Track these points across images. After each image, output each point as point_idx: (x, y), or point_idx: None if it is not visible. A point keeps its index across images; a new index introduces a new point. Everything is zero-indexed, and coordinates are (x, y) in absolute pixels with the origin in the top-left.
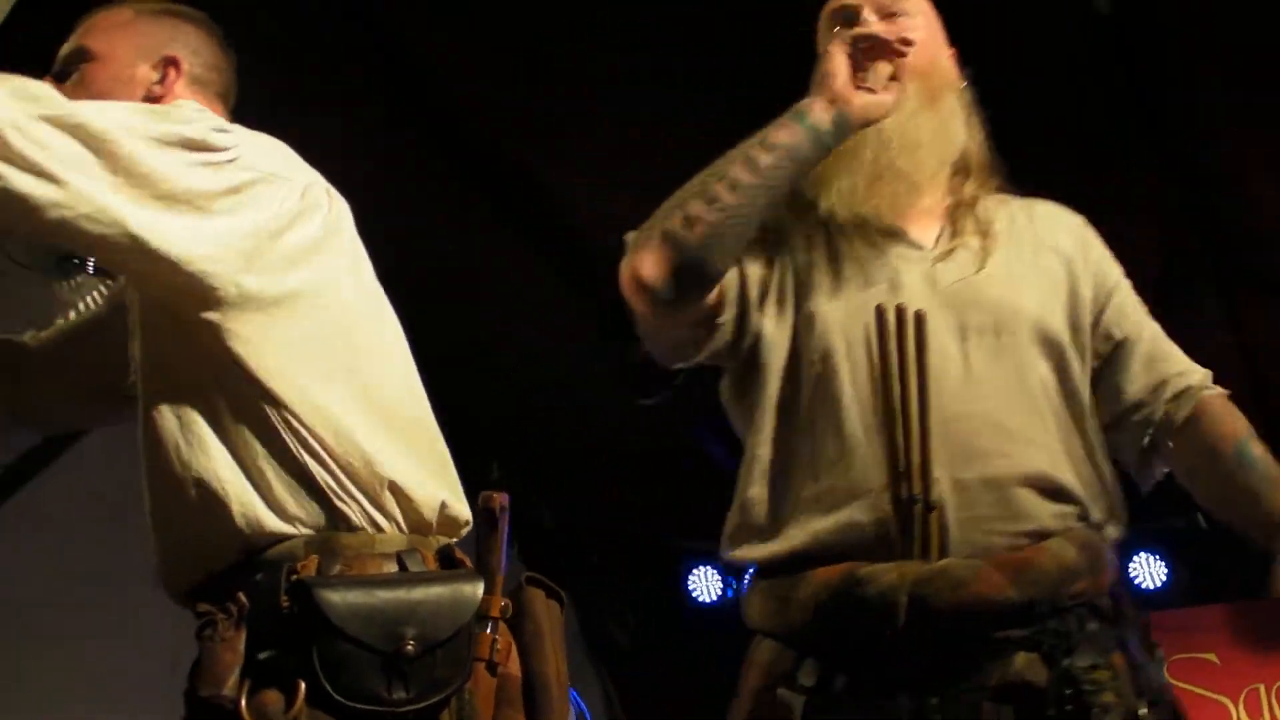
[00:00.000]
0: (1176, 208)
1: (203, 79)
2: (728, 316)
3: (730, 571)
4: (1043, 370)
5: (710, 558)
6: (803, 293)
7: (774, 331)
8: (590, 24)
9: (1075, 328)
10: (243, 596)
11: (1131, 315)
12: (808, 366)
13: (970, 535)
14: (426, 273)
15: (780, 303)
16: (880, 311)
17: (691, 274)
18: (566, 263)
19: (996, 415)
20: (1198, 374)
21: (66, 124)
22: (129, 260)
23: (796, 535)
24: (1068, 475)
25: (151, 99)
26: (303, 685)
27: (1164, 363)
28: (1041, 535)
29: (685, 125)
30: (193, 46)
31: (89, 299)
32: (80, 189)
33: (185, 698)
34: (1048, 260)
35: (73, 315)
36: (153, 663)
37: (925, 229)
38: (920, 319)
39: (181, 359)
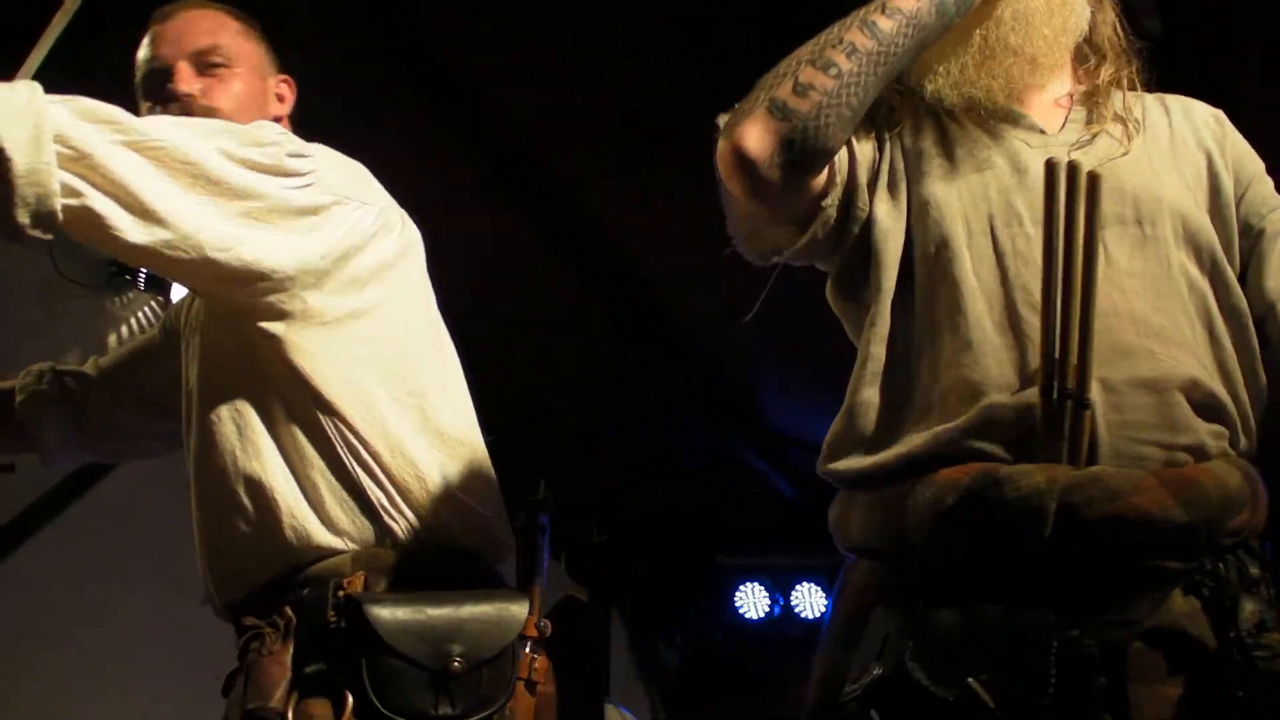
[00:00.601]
0: None
1: (289, 99)
2: (833, 199)
3: (777, 586)
4: (1190, 269)
5: (758, 573)
6: (914, 178)
7: (887, 217)
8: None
9: (1223, 224)
10: (289, 611)
11: (1272, 204)
12: (924, 256)
13: (1122, 443)
14: (475, 285)
15: (892, 187)
16: (1050, 167)
17: (804, 148)
18: (618, 282)
19: (1143, 311)
20: None
21: (148, 148)
22: (201, 281)
23: (915, 439)
24: (1220, 389)
25: (275, 118)
26: (350, 699)
27: None
28: (1200, 453)
29: None
30: (281, 69)
31: (140, 314)
32: (163, 215)
33: (231, 708)
34: (1188, 153)
35: (124, 331)
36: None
37: (1050, 114)
38: (1095, 181)
39: (243, 369)
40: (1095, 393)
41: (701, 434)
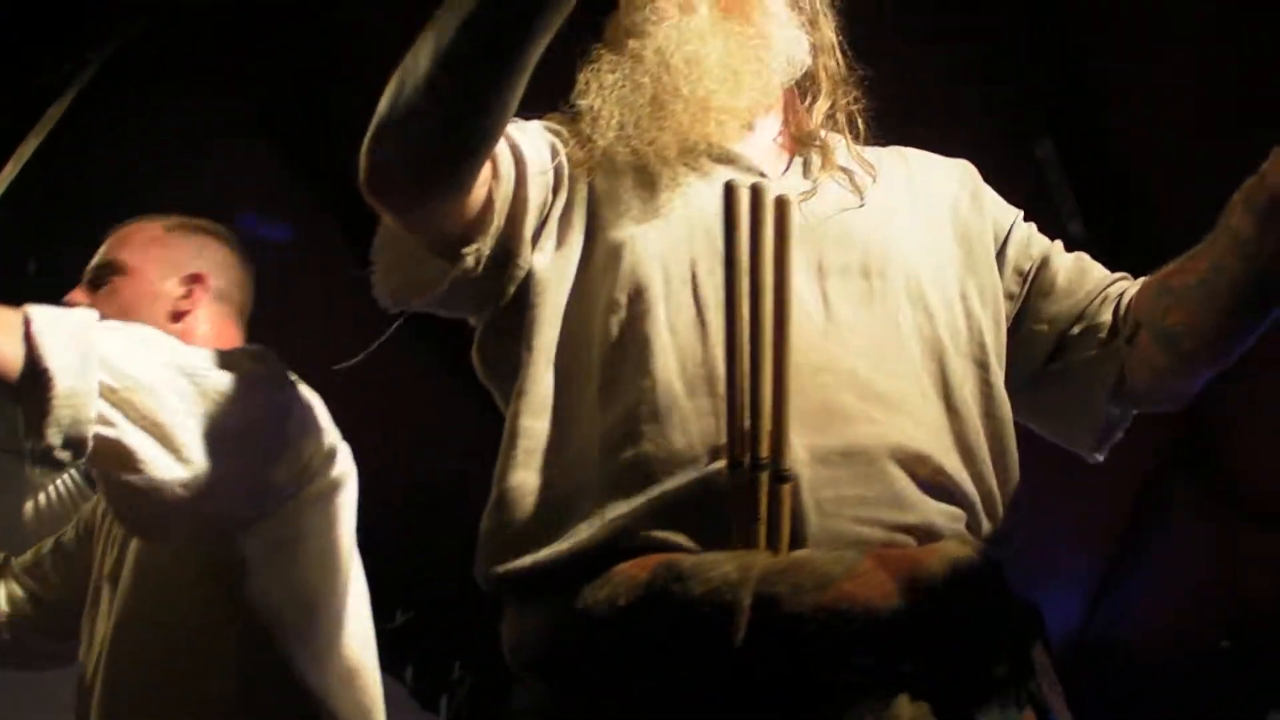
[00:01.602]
0: None
1: (226, 294)
2: (478, 245)
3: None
4: (926, 331)
5: None
6: (605, 222)
7: (549, 268)
8: None
9: (977, 278)
10: None
11: (1038, 243)
12: (610, 306)
13: (833, 522)
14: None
15: (563, 233)
16: (730, 190)
17: (434, 161)
18: None
19: (865, 372)
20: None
21: (186, 388)
22: (183, 515)
23: (584, 530)
24: (956, 465)
25: (178, 315)
26: None
27: (1094, 272)
28: (929, 534)
29: None
30: (219, 262)
31: (61, 482)
32: (189, 455)
33: None
34: (930, 207)
35: (42, 498)
36: None
37: (771, 156)
38: (784, 206)
39: (180, 571)
40: (800, 463)
41: None
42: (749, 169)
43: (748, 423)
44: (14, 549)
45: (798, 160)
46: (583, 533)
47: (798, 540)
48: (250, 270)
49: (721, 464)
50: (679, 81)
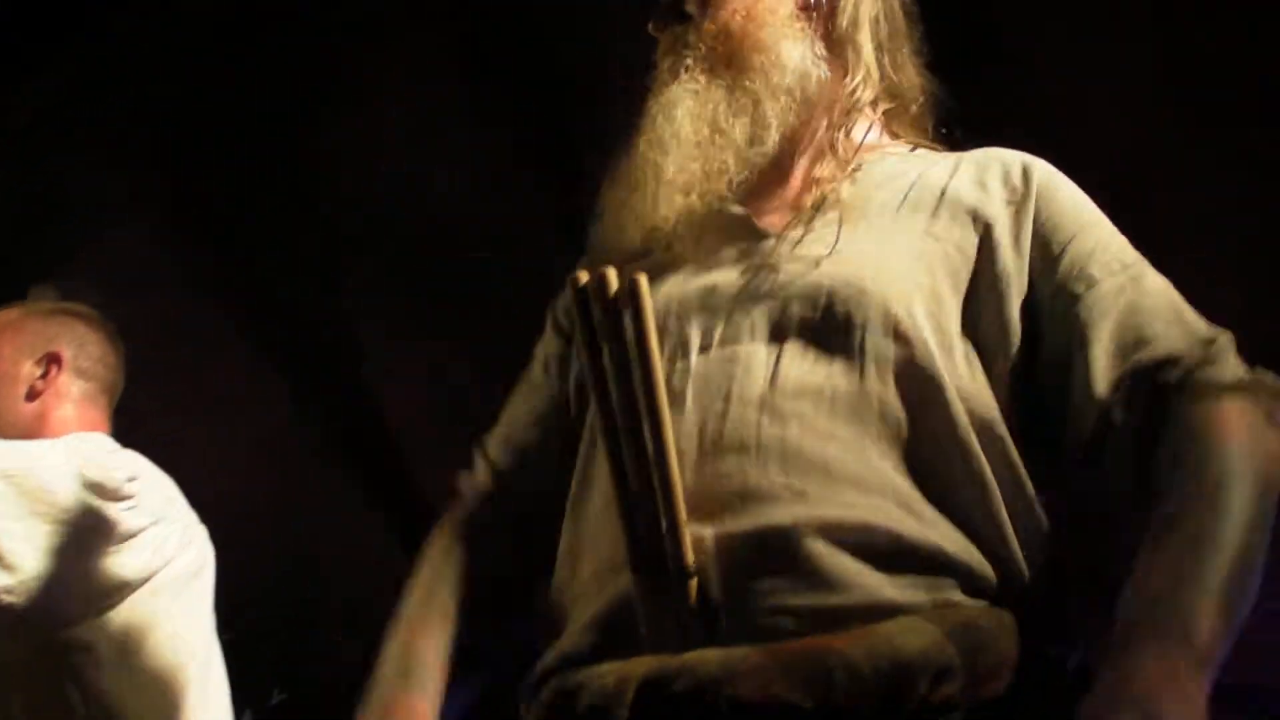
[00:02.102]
0: None
1: (88, 371)
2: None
3: None
4: (901, 375)
5: None
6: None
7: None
8: None
9: (980, 315)
10: None
11: (1101, 261)
12: (586, 435)
13: (744, 614)
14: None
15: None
16: (574, 285)
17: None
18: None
19: (802, 441)
20: (1195, 353)
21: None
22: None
23: (547, 657)
24: (926, 531)
25: (33, 394)
26: None
27: (1140, 342)
28: (882, 612)
29: None
30: (79, 340)
31: None
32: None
33: None
34: (948, 227)
35: None
36: None
37: (784, 211)
38: (636, 287)
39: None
40: (712, 554)
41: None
42: (751, 233)
43: (644, 518)
44: None
45: (817, 200)
46: (546, 659)
47: (716, 638)
48: (119, 350)
49: (625, 574)
50: (642, 165)
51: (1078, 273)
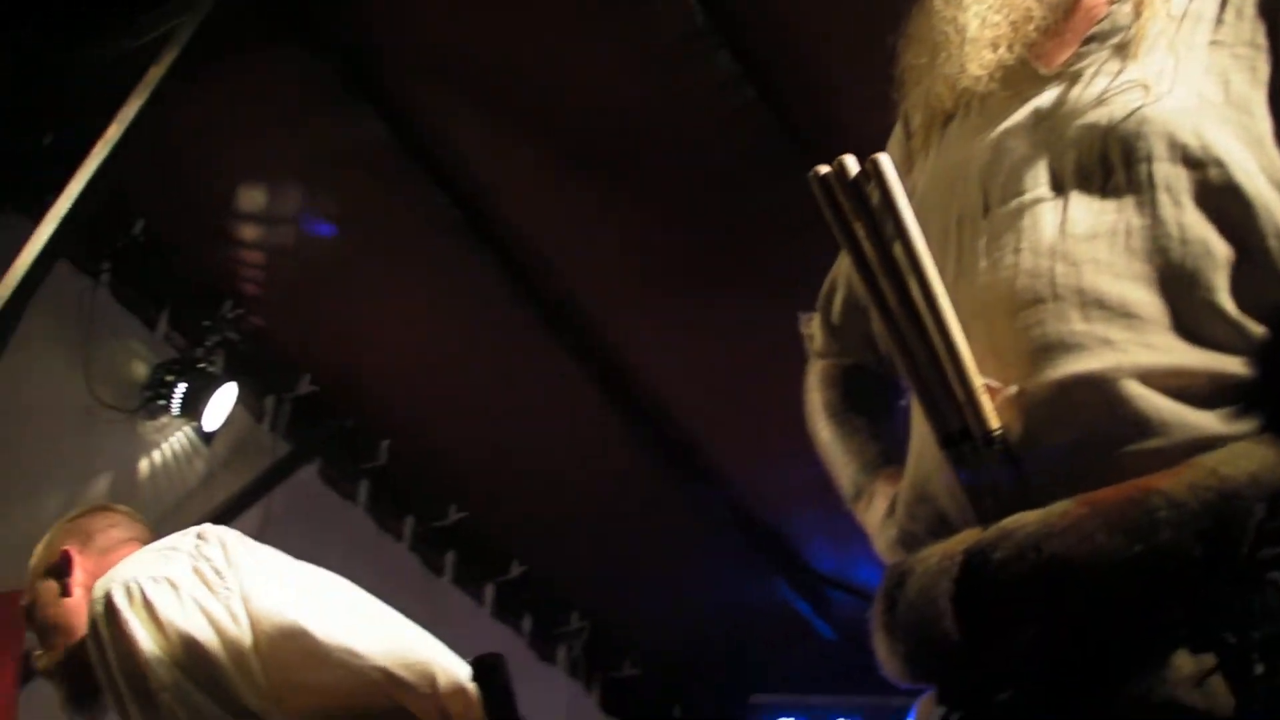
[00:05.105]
0: None
1: (100, 539)
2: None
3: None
4: (1201, 197)
5: (794, 712)
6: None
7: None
8: None
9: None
10: None
11: None
12: None
13: (1062, 470)
14: (520, 420)
15: None
16: (817, 180)
17: None
18: (652, 418)
19: (1099, 285)
20: None
21: None
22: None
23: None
24: (1229, 360)
25: (67, 590)
26: None
27: None
28: (1198, 446)
29: None
30: (82, 531)
31: (174, 439)
32: None
33: None
34: (1234, 28)
35: (157, 456)
36: None
37: (1063, 50)
38: (879, 169)
39: None
40: (1012, 414)
41: (740, 571)
42: (1032, 77)
43: (938, 387)
44: (134, 506)
45: (1103, 31)
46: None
47: (1031, 498)
48: (124, 510)
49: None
50: (941, 24)
51: None
